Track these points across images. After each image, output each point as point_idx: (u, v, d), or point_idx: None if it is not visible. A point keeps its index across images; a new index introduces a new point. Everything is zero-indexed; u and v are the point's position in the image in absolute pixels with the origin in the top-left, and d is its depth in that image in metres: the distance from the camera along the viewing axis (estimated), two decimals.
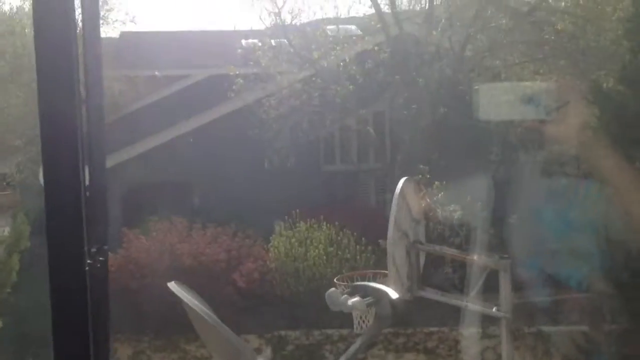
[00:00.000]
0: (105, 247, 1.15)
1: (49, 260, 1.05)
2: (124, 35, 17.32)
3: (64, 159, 1.02)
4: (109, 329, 1.12)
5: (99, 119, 1.12)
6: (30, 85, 13.00)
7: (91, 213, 1.07)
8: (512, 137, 10.76)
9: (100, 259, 1.11)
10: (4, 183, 14.64)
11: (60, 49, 1.02)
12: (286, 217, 10.11)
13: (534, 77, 11.50)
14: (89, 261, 1.07)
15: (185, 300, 4.55)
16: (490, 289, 7.02)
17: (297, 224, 9.94)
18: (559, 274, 8.04)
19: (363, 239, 9.52)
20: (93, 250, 1.08)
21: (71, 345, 1.08)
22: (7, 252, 8.92)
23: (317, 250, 9.45)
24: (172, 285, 4.75)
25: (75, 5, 1.05)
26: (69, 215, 1.03)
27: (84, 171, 1.04)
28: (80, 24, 1.11)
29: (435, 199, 9.34)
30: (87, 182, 1.06)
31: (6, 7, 19.05)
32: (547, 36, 11.72)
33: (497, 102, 11.09)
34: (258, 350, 8.55)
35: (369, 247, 9.36)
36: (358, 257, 9.37)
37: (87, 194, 1.06)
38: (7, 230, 10.81)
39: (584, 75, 10.88)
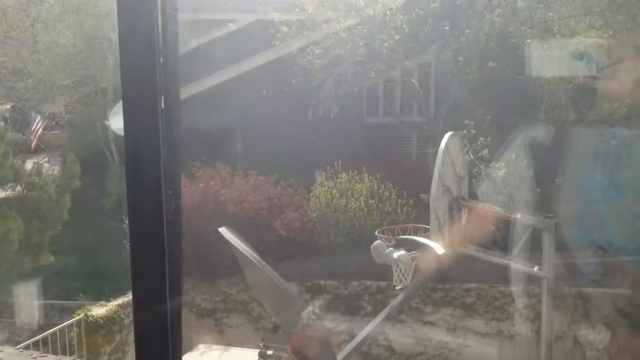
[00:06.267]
0: (179, 177, 1.15)
1: (127, 188, 1.07)
2: None
3: (143, 88, 1.05)
4: (182, 266, 1.16)
5: (174, 49, 1.14)
6: (79, 25, 13.09)
7: (167, 140, 1.08)
8: (562, 94, 10.46)
9: (174, 190, 1.11)
10: (53, 122, 14.94)
11: None
12: (328, 167, 10.15)
13: (589, 32, 11.05)
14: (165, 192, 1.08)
15: (237, 246, 4.65)
16: (533, 248, 7.01)
17: (339, 175, 9.98)
18: (603, 236, 7.95)
19: (404, 192, 9.53)
20: (168, 181, 1.09)
21: (149, 279, 1.10)
22: (59, 191, 9.22)
23: (358, 202, 9.50)
24: (223, 231, 4.85)
25: None
26: (148, 144, 1.07)
27: (161, 100, 1.07)
28: None
29: (479, 155, 9.24)
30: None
31: None
32: None
33: (549, 57, 10.79)
34: None
35: (410, 201, 9.37)
36: (399, 210, 9.40)
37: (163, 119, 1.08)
38: (56, 170, 11.15)
39: None
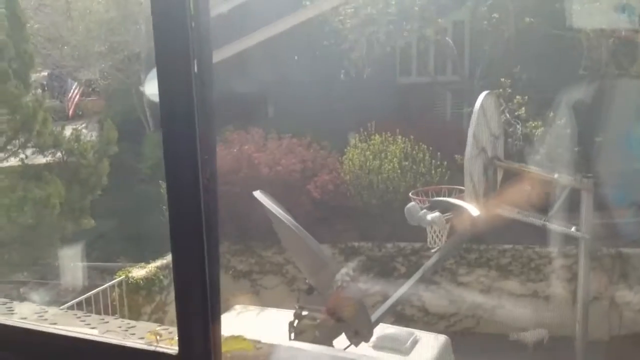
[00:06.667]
0: (214, 142, 1.17)
1: (164, 154, 1.09)
2: None
3: (176, 53, 1.07)
4: (218, 231, 1.17)
5: (205, 14, 1.15)
6: None
7: (201, 105, 1.10)
8: (603, 49, 10.08)
9: (209, 156, 1.13)
10: (89, 89, 15.13)
11: None
12: (361, 129, 10.07)
13: None
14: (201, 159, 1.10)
15: (272, 209, 4.69)
16: (571, 208, 6.88)
17: (372, 137, 9.90)
18: None
19: (438, 153, 9.42)
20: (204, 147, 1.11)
21: (188, 244, 1.14)
22: (97, 157, 9.38)
23: (391, 164, 9.43)
24: (258, 194, 4.90)
25: None
26: (183, 109, 1.09)
27: (194, 64, 1.08)
28: None
29: (515, 114, 9.05)
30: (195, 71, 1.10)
31: None
32: None
33: (589, 10, 10.37)
34: None
35: (445, 162, 9.26)
36: (433, 171, 9.31)
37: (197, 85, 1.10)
38: (94, 135, 11.32)
39: None
